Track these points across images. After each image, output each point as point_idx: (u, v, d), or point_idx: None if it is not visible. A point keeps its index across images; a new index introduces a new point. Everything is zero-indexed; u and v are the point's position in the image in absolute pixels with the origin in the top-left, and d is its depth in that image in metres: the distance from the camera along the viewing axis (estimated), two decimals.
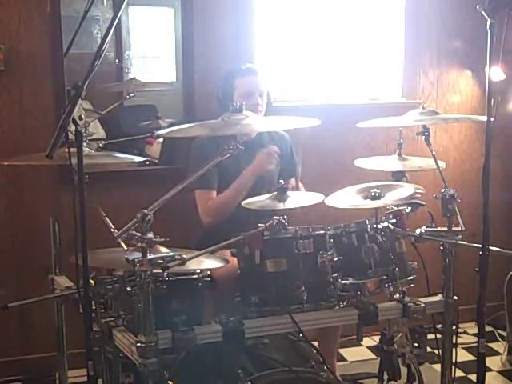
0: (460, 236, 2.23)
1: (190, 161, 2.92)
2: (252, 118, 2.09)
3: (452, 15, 3.81)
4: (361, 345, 3.59)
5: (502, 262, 3.03)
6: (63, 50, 3.16)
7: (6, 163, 2.45)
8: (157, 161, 3.52)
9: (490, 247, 2.01)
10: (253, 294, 2.11)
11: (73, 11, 3.25)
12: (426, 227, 2.32)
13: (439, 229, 2.29)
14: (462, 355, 3.36)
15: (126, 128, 3.47)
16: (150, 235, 1.81)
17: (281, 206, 2.23)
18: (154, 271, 1.84)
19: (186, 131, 2.17)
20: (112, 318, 2.02)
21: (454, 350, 2.32)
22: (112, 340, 2.00)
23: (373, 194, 2.25)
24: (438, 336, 2.32)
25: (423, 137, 2.47)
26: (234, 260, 2.23)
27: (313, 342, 2.47)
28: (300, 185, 3.08)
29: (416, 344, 2.40)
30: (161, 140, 3.54)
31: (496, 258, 2.14)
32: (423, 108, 2.53)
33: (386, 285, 2.21)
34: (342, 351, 3.51)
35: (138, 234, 1.81)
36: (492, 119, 1.94)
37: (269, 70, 3.55)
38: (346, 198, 2.34)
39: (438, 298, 2.30)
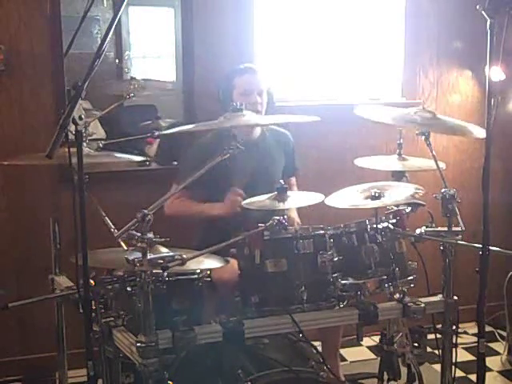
0: (460, 236, 2.23)
1: (188, 159, 2.91)
2: (251, 117, 2.09)
3: (452, 15, 3.81)
4: (361, 345, 3.59)
5: (501, 262, 3.04)
6: (63, 50, 3.16)
7: (6, 163, 2.45)
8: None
9: (490, 247, 2.01)
10: (253, 293, 2.11)
11: (73, 11, 3.25)
12: (426, 227, 2.32)
13: (439, 229, 2.29)
14: (462, 355, 3.36)
15: (126, 128, 3.47)
16: (150, 235, 1.81)
17: (281, 206, 2.23)
18: (154, 271, 1.84)
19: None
20: (112, 318, 2.02)
21: (454, 349, 2.32)
22: (112, 340, 2.00)
23: (373, 193, 2.25)
24: (438, 336, 2.32)
25: (423, 137, 2.47)
26: (234, 260, 2.23)
27: (313, 342, 2.48)
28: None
29: (416, 344, 2.40)
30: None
31: (496, 257, 2.14)
32: (423, 108, 2.53)
33: (386, 285, 2.21)
34: (342, 351, 3.51)
35: (138, 234, 1.81)
36: (492, 119, 1.94)
37: (269, 70, 3.55)
38: (346, 198, 2.34)
39: (438, 298, 2.30)
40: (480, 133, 2.34)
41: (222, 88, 3.01)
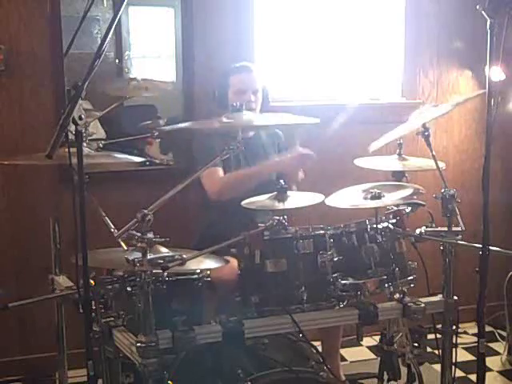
0: (460, 236, 2.23)
1: (198, 156, 2.91)
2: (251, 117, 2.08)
3: (452, 15, 3.82)
4: (361, 345, 3.59)
5: (502, 262, 3.04)
6: (63, 50, 3.16)
7: (6, 162, 2.44)
8: (157, 161, 3.51)
9: (490, 247, 2.01)
10: (253, 294, 2.11)
11: (73, 11, 3.25)
12: (426, 227, 2.32)
13: (439, 229, 2.29)
14: (462, 355, 3.36)
15: (126, 128, 3.47)
16: (150, 235, 1.81)
17: (281, 206, 2.23)
18: (154, 271, 1.84)
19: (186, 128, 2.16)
20: (112, 318, 2.02)
21: (454, 349, 2.32)
22: (112, 340, 2.00)
23: (373, 193, 2.25)
24: (438, 336, 2.32)
25: (423, 137, 2.47)
26: (234, 260, 2.23)
27: (314, 342, 2.48)
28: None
29: (416, 344, 2.40)
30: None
31: (496, 258, 2.14)
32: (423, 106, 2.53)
33: (386, 285, 2.20)
34: (342, 351, 3.50)
35: (138, 234, 1.81)
36: (492, 119, 1.94)
37: (269, 70, 3.55)
38: (346, 198, 2.34)
39: (438, 298, 2.30)
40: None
41: (217, 86, 3.02)
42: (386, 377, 2.50)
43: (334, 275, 2.12)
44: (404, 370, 2.46)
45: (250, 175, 2.80)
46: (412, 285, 2.28)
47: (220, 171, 2.85)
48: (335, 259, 2.13)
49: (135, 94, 2.79)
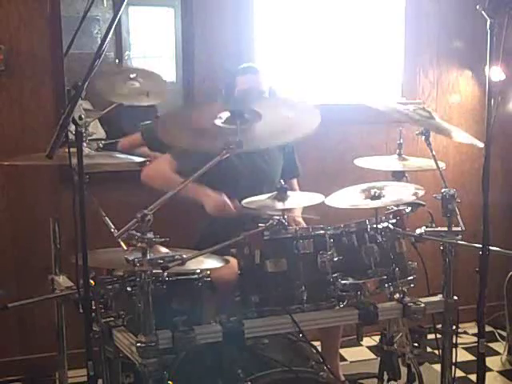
0: (460, 236, 2.23)
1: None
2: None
3: (452, 15, 3.82)
4: (361, 345, 3.59)
5: (502, 262, 3.04)
6: (63, 50, 3.16)
7: (6, 163, 2.45)
8: None
9: (490, 247, 2.01)
10: (253, 293, 2.11)
11: (73, 11, 3.25)
12: (426, 227, 2.32)
13: (439, 229, 2.29)
14: (462, 355, 3.36)
15: (126, 128, 3.47)
16: (150, 235, 1.80)
17: (281, 205, 2.23)
18: (154, 271, 1.84)
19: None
20: (112, 318, 2.02)
21: (454, 349, 2.32)
22: (112, 340, 2.00)
23: (373, 193, 2.25)
24: (438, 336, 2.32)
25: (423, 137, 2.47)
26: (234, 260, 2.23)
27: (314, 342, 2.48)
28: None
29: (416, 344, 2.40)
30: None
31: (496, 258, 2.14)
32: (424, 109, 2.53)
33: (386, 285, 2.20)
34: (342, 351, 3.51)
35: (138, 234, 1.81)
36: (492, 119, 1.94)
37: (270, 70, 3.55)
38: (346, 198, 2.34)
39: (438, 298, 2.30)
40: (464, 138, 2.36)
41: (225, 85, 3.02)
42: (385, 377, 2.51)
43: (334, 275, 2.12)
44: (404, 370, 2.47)
45: (173, 183, 2.62)
46: (412, 285, 2.28)
47: (168, 162, 2.86)
48: (335, 259, 2.13)
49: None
